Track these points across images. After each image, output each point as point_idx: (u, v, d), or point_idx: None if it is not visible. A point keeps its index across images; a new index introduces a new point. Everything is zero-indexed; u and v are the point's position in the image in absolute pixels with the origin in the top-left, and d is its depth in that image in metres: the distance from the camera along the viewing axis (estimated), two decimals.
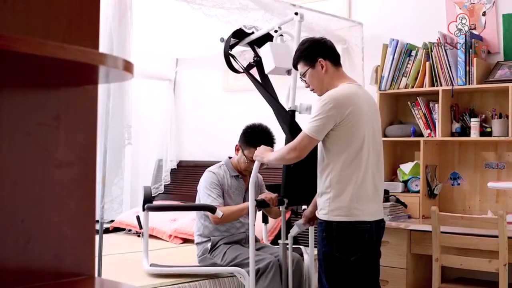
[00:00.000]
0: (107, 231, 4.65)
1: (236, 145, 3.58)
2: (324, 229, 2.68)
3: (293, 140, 2.76)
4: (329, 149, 2.69)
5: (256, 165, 3.03)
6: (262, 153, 2.97)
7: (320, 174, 2.74)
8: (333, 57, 2.82)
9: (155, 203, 4.57)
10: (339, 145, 2.66)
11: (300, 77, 2.90)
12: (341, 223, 2.65)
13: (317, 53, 2.79)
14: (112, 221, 4.97)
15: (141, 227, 3.40)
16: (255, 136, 3.47)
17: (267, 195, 3.27)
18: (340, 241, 2.66)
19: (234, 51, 3.54)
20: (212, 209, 3.25)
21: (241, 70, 3.43)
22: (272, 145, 3.43)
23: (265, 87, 3.29)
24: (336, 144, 2.67)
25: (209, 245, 3.46)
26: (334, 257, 2.67)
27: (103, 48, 2.87)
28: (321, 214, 2.71)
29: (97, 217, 2.86)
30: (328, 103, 2.63)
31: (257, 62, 3.40)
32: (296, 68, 2.91)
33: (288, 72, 3.18)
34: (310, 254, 3.37)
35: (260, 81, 3.37)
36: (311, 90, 2.87)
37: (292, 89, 3.10)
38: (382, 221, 2.82)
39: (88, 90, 1.23)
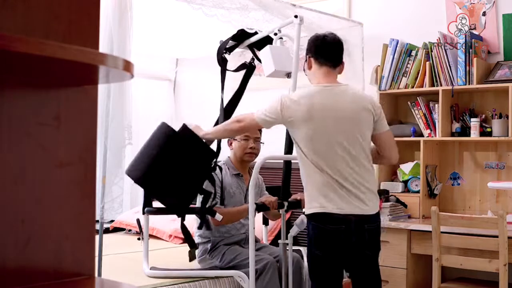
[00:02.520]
0: (107, 231, 4.65)
1: (228, 141, 3.61)
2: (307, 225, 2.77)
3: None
4: (298, 149, 2.74)
5: (256, 167, 3.03)
6: (196, 128, 3.11)
7: None
8: (321, 56, 2.79)
9: (155, 203, 4.56)
10: (302, 146, 2.70)
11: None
12: (312, 216, 2.67)
13: (308, 49, 2.84)
14: (112, 221, 4.96)
15: (141, 231, 3.40)
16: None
17: (267, 198, 3.27)
18: (312, 236, 2.69)
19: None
20: (212, 213, 3.24)
21: (232, 69, 3.48)
22: None
23: (239, 92, 3.45)
24: (300, 145, 2.71)
25: (209, 245, 3.46)
26: (310, 252, 2.74)
27: (103, 48, 2.87)
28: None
29: (97, 217, 2.87)
30: (278, 102, 2.71)
31: (250, 66, 3.44)
32: None
33: (288, 75, 3.16)
34: None
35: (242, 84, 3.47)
36: None
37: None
38: (367, 222, 2.68)
39: (88, 90, 1.23)
